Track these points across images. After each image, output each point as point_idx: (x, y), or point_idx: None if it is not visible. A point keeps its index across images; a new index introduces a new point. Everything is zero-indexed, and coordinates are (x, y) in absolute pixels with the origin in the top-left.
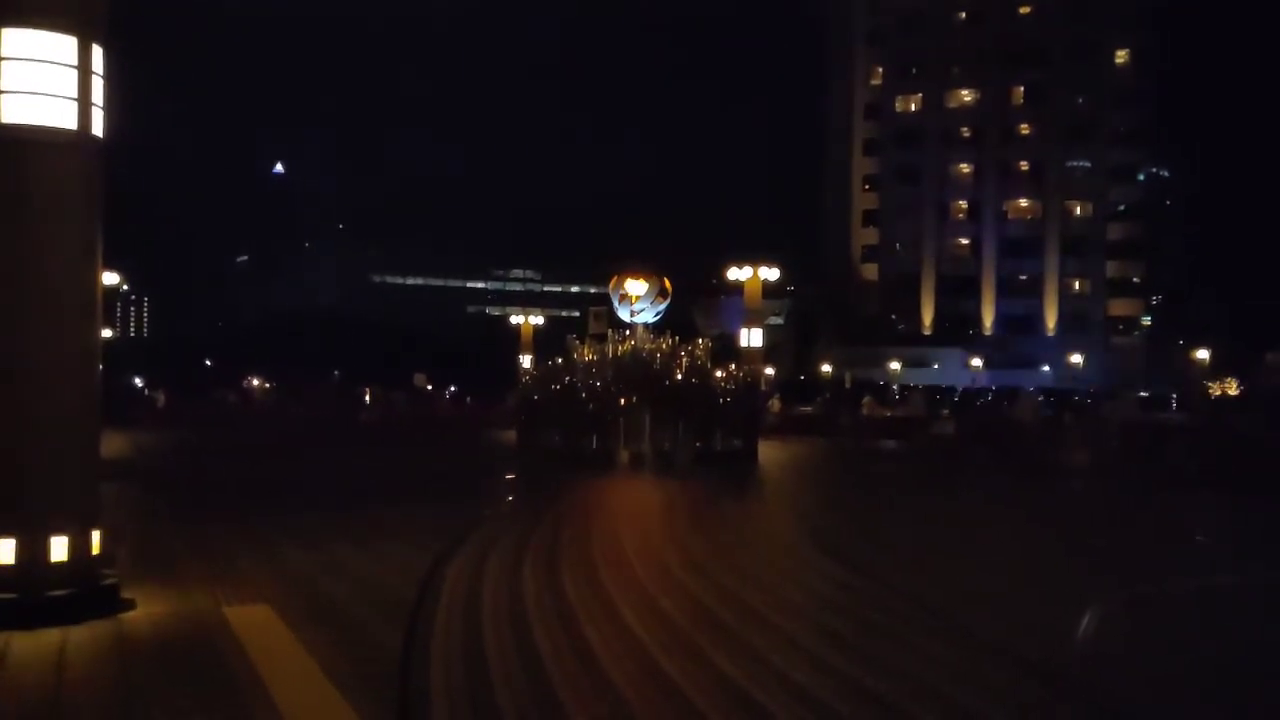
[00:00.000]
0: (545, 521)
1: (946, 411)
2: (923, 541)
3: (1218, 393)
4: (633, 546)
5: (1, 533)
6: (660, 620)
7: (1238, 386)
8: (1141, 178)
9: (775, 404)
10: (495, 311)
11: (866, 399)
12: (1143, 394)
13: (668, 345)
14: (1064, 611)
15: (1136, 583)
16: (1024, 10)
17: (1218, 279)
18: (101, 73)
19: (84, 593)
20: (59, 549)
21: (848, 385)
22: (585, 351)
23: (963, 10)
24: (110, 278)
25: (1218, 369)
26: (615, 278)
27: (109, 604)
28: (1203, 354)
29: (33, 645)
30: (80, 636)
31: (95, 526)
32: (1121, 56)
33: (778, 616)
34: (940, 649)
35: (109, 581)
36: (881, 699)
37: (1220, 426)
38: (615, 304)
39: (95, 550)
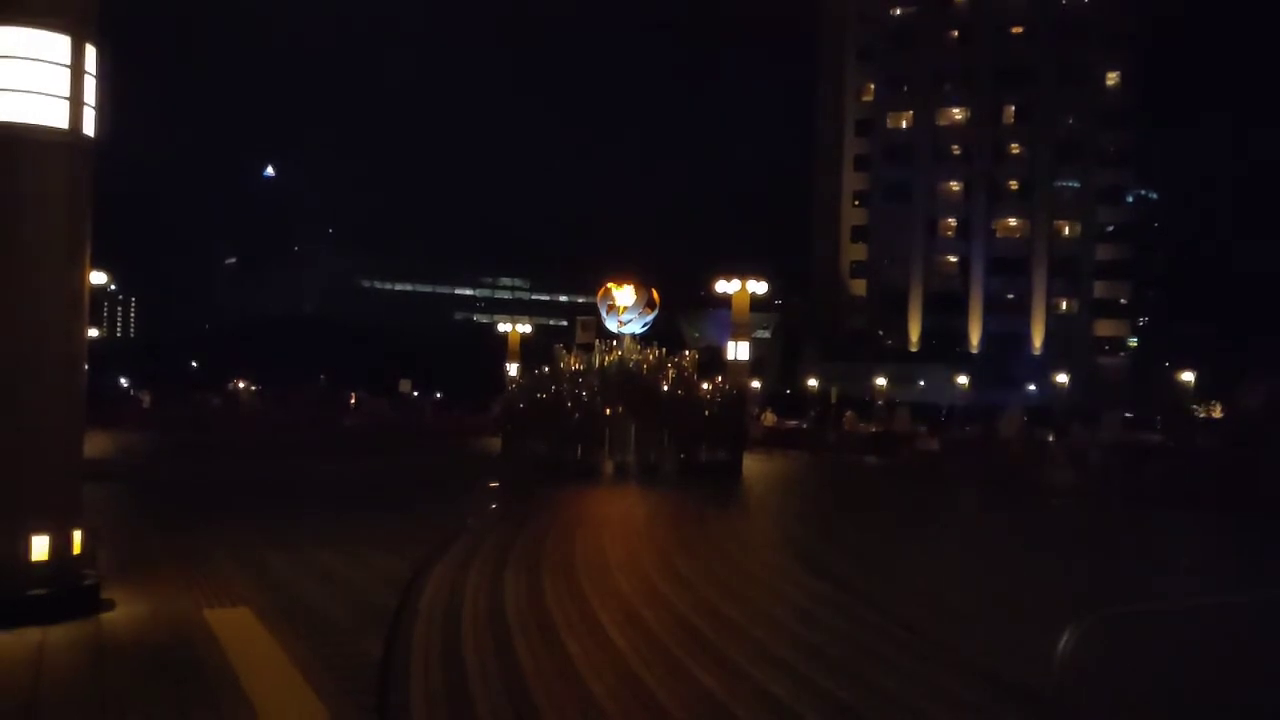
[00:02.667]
0: (528, 531)
1: (925, 428)
2: (904, 558)
3: (1203, 414)
4: (615, 557)
5: None
6: (641, 632)
7: (1222, 409)
8: (1130, 199)
9: (770, 417)
10: (483, 319)
11: (847, 414)
12: (1127, 414)
13: (654, 356)
14: (1042, 630)
15: (1116, 602)
16: (1015, 30)
17: (1204, 301)
18: (94, 72)
19: (64, 592)
20: (40, 548)
21: (833, 400)
22: (572, 361)
23: (955, 29)
24: (98, 277)
25: (1203, 391)
26: (603, 288)
27: (89, 604)
28: (1187, 376)
29: (11, 644)
30: (59, 636)
31: (76, 526)
32: (1112, 78)
33: (757, 630)
34: (918, 665)
35: (89, 582)
36: (860, 714)
37: (1192, 445)
38: (603, 314)
39: (76, 550)
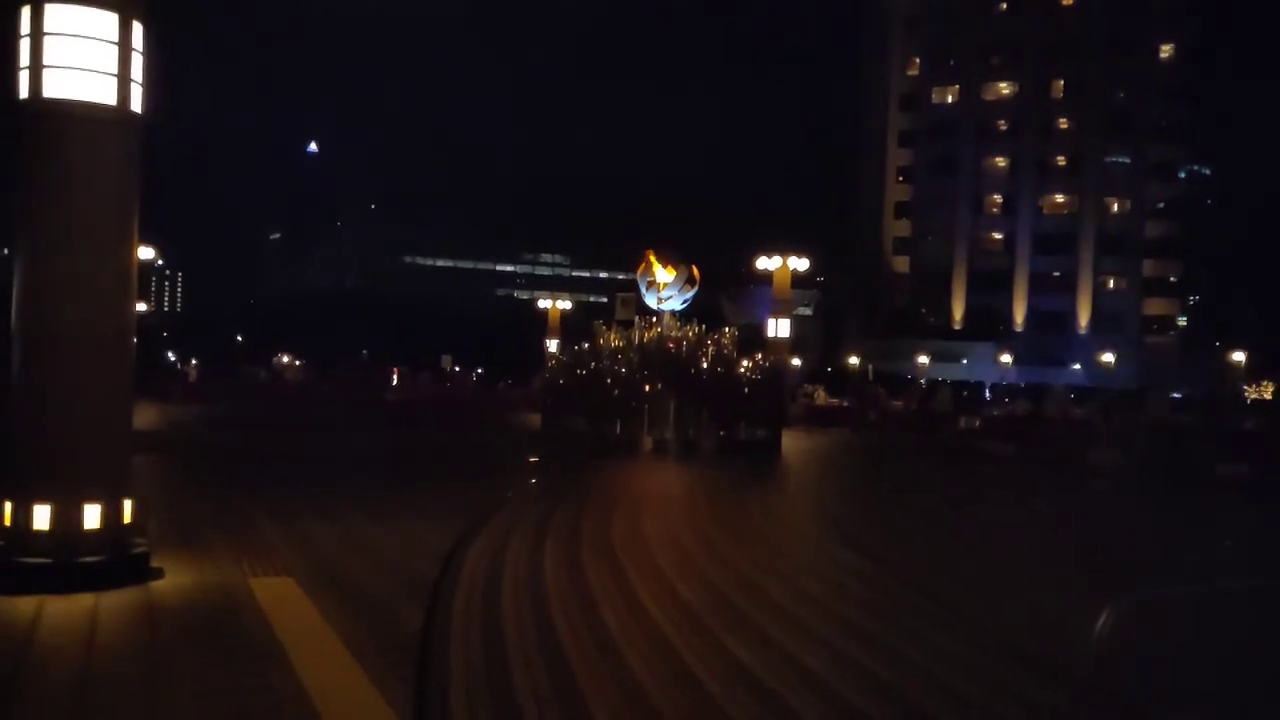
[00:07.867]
0: (567, 505)
1: (950, 405)
2: (942, 535)
3: (1253, 395)
4: (653, 532)
5: (39, 499)
6: (677, 604)
7: (1275, 389)
8: (1182, 175)
9: (821, 395)
10: (524, 295)
11: (879, 391)
12: (1175, 395)
13: (694, 333)
14: (1080, 610)
15: (1155, 583)
16: (1065, 1)
17: (1257, 280)
18: (141, 49)
19: (115, 560)
20: (92, 517)
21: (869, 378)
22: (612, 337)
23: (1002, 1)
24: (146, 252)
25: (1255, 371)
26: (643, 265)
27: (139, 572)
28: (1239, 356)
29: (66, 609)
30: (111, 602)
31: (127, 496)
32: (1165, 50)
33: (794, 605)
34: (954, 643)
35: (139, 550)
36: (894, 690)
37: (1236, 427)
38: (643, 291)
39: (126, 519)
